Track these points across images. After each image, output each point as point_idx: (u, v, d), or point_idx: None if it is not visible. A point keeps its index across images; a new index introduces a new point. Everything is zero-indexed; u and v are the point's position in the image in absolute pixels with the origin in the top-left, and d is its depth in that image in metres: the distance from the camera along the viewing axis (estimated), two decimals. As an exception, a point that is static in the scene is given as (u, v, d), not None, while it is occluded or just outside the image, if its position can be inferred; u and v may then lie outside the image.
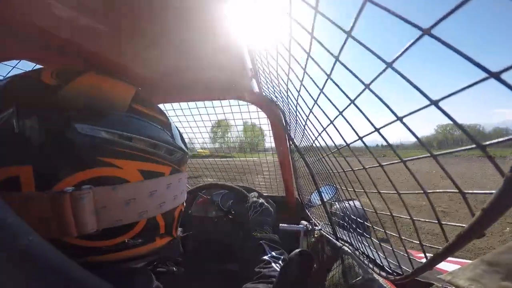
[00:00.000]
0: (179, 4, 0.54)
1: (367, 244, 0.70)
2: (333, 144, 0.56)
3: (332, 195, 1.12)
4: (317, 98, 0.51)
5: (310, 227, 1.25)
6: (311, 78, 0.48)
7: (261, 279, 0.82)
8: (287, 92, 0.69)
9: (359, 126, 0.43)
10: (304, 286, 0.83)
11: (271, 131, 1.34)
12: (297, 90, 0.58)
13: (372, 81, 0.33)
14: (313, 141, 0.72)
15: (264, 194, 1.66)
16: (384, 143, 0.39)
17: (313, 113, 0.58)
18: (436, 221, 0.36)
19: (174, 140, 0.58)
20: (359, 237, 0.76)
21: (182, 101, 1.30)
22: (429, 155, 0.30)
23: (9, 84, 0.45)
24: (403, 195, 0.42)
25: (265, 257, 0.93)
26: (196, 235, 1.37)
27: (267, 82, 0.90)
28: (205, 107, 1.36)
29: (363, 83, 0.33)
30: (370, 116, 0.38)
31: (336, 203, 1.09)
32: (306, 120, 0.65)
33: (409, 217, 0.43)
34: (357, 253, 0.76)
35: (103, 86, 0.50)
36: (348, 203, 0.78)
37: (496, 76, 0.19)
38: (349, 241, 0.85)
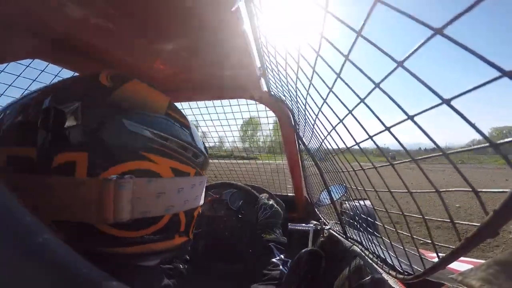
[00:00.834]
0: (191, 4, 0.55)
1: (377, 244, 0.69)
2: (343, 143, 0.56)
3: (341, 194, 1.11)
4: (327, 97, 0.51)
5: (320, 226, 1.24)
6: (320, 77, 0.48)
7: (269, 281, 0.83)
8: (296, 91, 0.69)
9: (366, 127, 0.43)
10: (312, 284, 0.83)
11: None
12: (306, 89, 0.58)
13: (382, 80, 0.32)
14: (322, 140, 0.71)
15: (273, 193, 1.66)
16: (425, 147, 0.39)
17: (322, 112, 0.58)
18: (449, 220, 0.35)
19: (197, 144, 0.62)
20: (369, 236, 0.76)
21: (192, 100, 1.32)
22: (441, 153, 0.30)
23: (75, 83, 0.55)
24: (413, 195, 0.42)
25: (274, 260, 0.94)
26: (205, 234, 1.38)
27: (275, 81, 0.90)
28: (230, 105, 1.41)
29: (373, 82, 0.33)
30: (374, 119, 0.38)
31: (346, 202, 1.08)
32: (315, 119, 0.65)
33: (420, 216, 0.43)
34: (367, 252, 0.75)
35: (145, 92, 0.56)
36: (358, 202, 0.77)
37: (510, 75, 0.19)
38: (359, 240, 0.84)
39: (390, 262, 0.61)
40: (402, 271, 0.55)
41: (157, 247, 0.52)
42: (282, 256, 0.96)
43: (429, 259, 0.45)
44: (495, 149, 0.23)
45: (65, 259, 0.25)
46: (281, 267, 0.91)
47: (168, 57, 0.83)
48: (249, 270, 1.17)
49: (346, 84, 0.39)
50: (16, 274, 0.21)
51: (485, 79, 0.21)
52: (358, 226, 0.83)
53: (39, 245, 0.24)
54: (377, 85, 0.33)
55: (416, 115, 0.29)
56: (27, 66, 0.95)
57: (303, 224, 1.31)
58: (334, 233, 1.08)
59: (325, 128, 0.61)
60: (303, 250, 0.88)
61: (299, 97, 0.71)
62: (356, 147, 0.48)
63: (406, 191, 0.43)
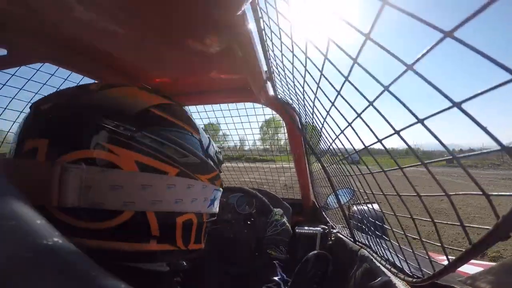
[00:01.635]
0: (198, 8, 0.55)
1: (386, 247, 0.69)
2: (351, 147, 0.56)
3: (349, 198, 1.11)
4: (335, 100, 0.51)
5: (327, 229, 1.24)
6: (328, 81, 0.48)
7: None
8: (303, 95, 0.69)
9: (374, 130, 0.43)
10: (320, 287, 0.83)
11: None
12: (313, 92, 0.58)
13: (391, 83, 0.33)
14: (330, 144, 0.71)
15: (280, 197, 1.66)
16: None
17: (330, 116, 0.58)
18: (459, 224, 0.35)
19: (198, 148, 0.61)
20: (377, 239, 0.75)
21: (199, 104, 1.33)
22: (451, 157, 0.30)
23: (70, 88, 0.58)
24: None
25: (276, 278, 0.94)
26: (210, 235, 1.37)
27: (282, 84, 0.90)
28: (245, 109, 1.44)
29: (382, 85, 0.34)
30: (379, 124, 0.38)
31: (354, 206, 1.08)
32: (323, 122, 0.65)
33: (430, 219, 0.42)
34: (376, 255, 0.75)
35: (128, 93, 0.57)
36: (367, 206, 0.77)
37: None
38: (367, 243, 0.84)
39: (399, 265, 0.61)
40: (411, 274, 0.55)
41: (128, 247, 0.50)
42: (284, 276, 0.96)
43: (438, 262, 0.45)
44: (507, 153, 0.23)
45: (77, 267, 0.25)
46: (282, 286, 0.91)
47: (175, 60, 0.84)
48: (250, 275, 1.17)
49: (354, 87, 0.40)
50: (25, 279, 0.21)
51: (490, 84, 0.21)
52: (367, 229, 0.82)
53: (48, 248, 0.24)
54: (386, 88, 0.33)
55: (426, 118, 0.29)
56: (37, 70, 0.97)
57: (311, 228, 1.31)
58: (342, 237, 1.08)
59: (333, 132, 0.62)
60: (311, 253, 0.87)
61: (306, 101, 0.71)
62: (376, 146, 0.48)
63: (415, 194, 0.43)
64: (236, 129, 1.68)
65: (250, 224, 1.39)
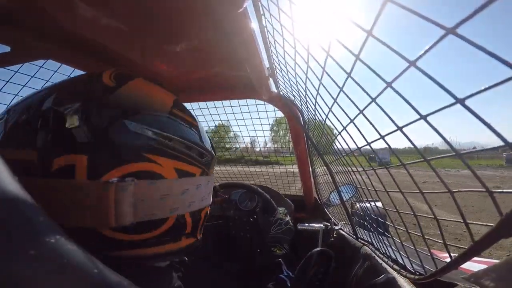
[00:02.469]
0: (200, 5, 0.55)
1: (388, 244, 0.69)
2: (354, 143, 0.55)
3: (351, 195, 1.10)
4: (337, 97, 0.50)
5: (329, 226, 1.24)
6: (330, 77, 0.48)
7: None
8: (305, 91, 0.69)
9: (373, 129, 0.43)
10: (322, 284, 0.83)
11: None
12: (316, 89, 0.58)
13: (394, 80, 0.32)
14: (333, 140, 0.71)
15: (282, 193, 1.66)
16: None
17: (332, 112, 0.58)
18: (462, 221, 0.35)
19: (204, 143, 0.60)
20: (380, 236, 0.75)
21: (201, 101, 1.33)
22: (454, 154, 0.30)
23: (76, 82, 0.52)
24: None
25: (282, 276, 0.94)
26: (213, 231, 1.37)
27: (284, 81, 0.90)
28: (256, 105, 1.43)
29: (385, 81, 0.33)
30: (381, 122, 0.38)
31: (357, 203, 1.08)
32: (326, 119, 0.65)
33: (433, 217, 0.42)
34: (378, 252, 0.75)
35: (149, 91, 0.54)
36: (369, 203, 0.77)
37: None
38: (369, 240, 0.84)
39: (401, 262, 0.61)
40: (413, 271, 0.55)
41: (163, 249, 0.51)
42: (290, 273, 0.96)
43: (441, 259, 0.45)
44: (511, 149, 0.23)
45: (81, 264, 0.25)
46: (288, 283, 0.91)
47: (178, 57, 0.84)
48: (254, 271, 1.17)
49: (357, 83, 0.39)
50: (28, 278, 0.21)
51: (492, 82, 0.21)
52: (369, 226, 0.82)
53: (50, 245, 0.24)
54: (389, 84, 0.33)
55: (429, 114, 0.29)
56: (41, 66, 0.97)
57: (313, 224, 1.31)
58: (344, 234, 1.08)
59: (336, 128, 0.61)
60: (313, 250, 0.87)
61: (308, 97, 0.71)
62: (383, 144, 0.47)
63: (418, 191, 0.43)
64: (247, 130, 1.68)
65: (253, 221, 1.39)
